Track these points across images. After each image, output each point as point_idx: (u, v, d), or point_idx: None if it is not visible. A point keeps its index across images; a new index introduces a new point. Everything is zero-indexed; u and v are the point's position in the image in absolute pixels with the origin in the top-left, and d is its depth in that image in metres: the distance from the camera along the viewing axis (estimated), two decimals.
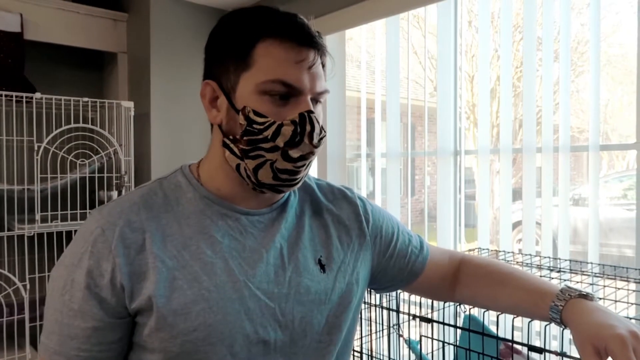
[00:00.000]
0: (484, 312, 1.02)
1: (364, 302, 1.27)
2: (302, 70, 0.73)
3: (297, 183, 0.78)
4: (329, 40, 2.34)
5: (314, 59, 0.74)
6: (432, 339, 1.09)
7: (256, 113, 0.73)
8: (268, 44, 0.73)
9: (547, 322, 0.85)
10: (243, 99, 0.74)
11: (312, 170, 2.45)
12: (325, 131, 0.78)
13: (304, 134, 0.73)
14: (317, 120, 0.74)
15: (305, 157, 0.75)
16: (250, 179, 0.76)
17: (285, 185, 0.77)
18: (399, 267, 0.96)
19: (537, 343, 0.95)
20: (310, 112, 0.73)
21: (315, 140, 0.74)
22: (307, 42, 0.74)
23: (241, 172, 0.77)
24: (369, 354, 1.29)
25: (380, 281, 0.97)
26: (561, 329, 0.82)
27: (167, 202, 0.78)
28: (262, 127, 0.73)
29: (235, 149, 0.76)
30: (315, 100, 0.77)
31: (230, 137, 0.76)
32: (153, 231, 0.74)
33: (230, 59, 0.75)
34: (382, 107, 2.28)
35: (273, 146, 0.73)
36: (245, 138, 0.74)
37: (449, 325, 1.08)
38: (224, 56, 0.76)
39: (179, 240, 0.75)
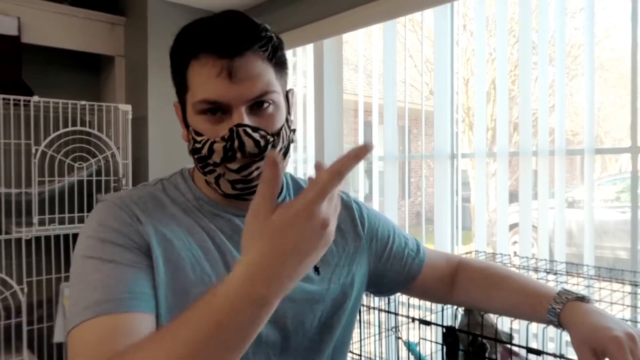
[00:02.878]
0: (482, 314, 1.04)
1: (362, 305, 1.28)
2: (224, 83, 0.71)
3: None
4: (326, 44, 2.36)
5: (235, 65, 0.71)
6: (432, 341, 1.10)
7: (196, 132, 0.76)
8: (193, 64, 0.74)
9: (545, 325, 0.86)
10: (190, 119, 0.77)
11: (309, 173, 2.46)
12: (274, 134, 0.75)
13: (235, 149, 0.73)
14: (247, 133, 0.72)
15: (247, 167, 0.74)
16: (217, 191, 0.79)
17: (247, 193, 0.77)
18: (396, 270, 0.97)
19: (535, 345, 0.97)
20: (239, 125, 0.72)
21: (249, 152, 0.73)
22: (224, 51, 0.71)
23: (210, 185, 0.80)
24: (368, 356, 1.30)
25: (378, 285, 0.98)
26: (559, 331, 0.83)
27: (168, 200, 0.81)
28: (200, 145, 0.75)
29: (197, 166, 0.79)
30: (260, 103, 0.74)
31: (190, 155, 0.80)
32: (160, 218, 0.76)
33: (176, 82, 0.79)
34: (379, 110, 2.29)
35: (214, 162, 0.75)
36: (195, 156, 0.77)
37: (448, 327, 1.09)
38: (174, 80, 0.80)
39: (184, 226, 0.77)
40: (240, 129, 0.72)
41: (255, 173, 0.75)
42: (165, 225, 0.75)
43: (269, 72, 0.75)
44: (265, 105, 0.75)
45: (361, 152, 0.52)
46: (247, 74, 0.72)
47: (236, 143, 0.72)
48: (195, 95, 0.74)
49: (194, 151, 0.77)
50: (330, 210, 0.55)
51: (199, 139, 0.75)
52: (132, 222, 0.73)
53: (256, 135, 0.73)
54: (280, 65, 0.78)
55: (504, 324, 1.38)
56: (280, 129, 0.77)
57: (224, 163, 0.74)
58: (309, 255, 0.55)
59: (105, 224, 0.73)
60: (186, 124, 0.79)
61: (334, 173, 0.52)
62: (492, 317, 1.05)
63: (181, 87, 0.78)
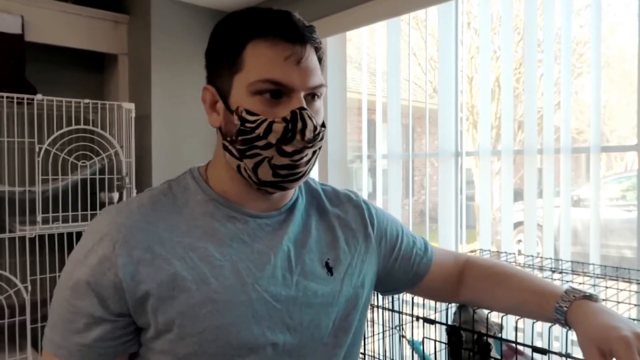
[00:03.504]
0: (487, 313, 1.03)
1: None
2: (291, 67, 0.73)
3: (299, 178, 0.77)
4: (330, 42, 2.35)
5: (303, 53, 0.74)
6: (435, 340, 1.09)
7: (248, 112, 0.74)
8: (256, 44, 0.74)
9: (551, 324, 0.85)
10: (237, 100, 0.75)
11: (313, 171, 2.46)
12: (324, 126, 0.78)
13: (296, 131, 0.73)
14: (309, 116, 0.74)
15: (300, 151, 0.75)
16: (251, 179, 0.77)
17: (287, 181, 0.77)
18: (404, 270, 0.96)
19: (539, 344, 0.96)
20: (302, 109, 0.73)
21: (307, 136, 0.74)
22: (294, 37, 0.73)
23: (242, 172, 0.77)
24: (372, 355, 1.29)
25: (386, 284, 0.97)
26: (565, 330, 0.82)
27: (175, 203, 0.79)
28: (254, 125, 0.73)
29: (234, 150, 0.76)
30: (313, 94, 0.76)
31: (228, 138, 0.77)
32: (160, 233, 0.74)
33: (224, 63, 0.76)
34: (383, 108, 2.28)
35: (267, 143, 0.73)
36: (240, 138, 0.75)
37: (452, 326, 1.09)
38: (218, 61, 0.78)
39: (187, 242, 0.75)
40: (304, 112, 0.73)
41: (304, 159, 0.76)
42: (165, 244, 0.74)
43: (319, 69, 0.78)
44: (316, 97, 0.77)
45: None
46: (310, 64, 0.75)
47: (299, 125, 0.73)
48: (254, 75, 0.73)
49: (240, 132, 0.74)
50: None
51: (252, 118, 0.73)
52: (111, 257, 0.71)
53: (314, 121, 0.74)
54: (323, 68, 0.81)
55: (509, 322, 1.37)
56: (323, 124, 0.78)
57: (279, 144, 0.73)
58: None
59: (88, 256, 0.72)
60: (228, 107, 0.76)
61: None
62: (484, 312, 1.04)
63: (230, 67, 0.75)
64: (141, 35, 2.57)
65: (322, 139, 0.77)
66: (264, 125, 0.73)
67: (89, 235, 0.75)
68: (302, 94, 0.74)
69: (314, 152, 0.77)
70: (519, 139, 2.48)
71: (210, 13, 2.58)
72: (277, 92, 0.73)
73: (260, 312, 0.75)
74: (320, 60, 0.79)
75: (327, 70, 2.36)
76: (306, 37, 0.74)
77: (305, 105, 0.74)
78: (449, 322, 1.08)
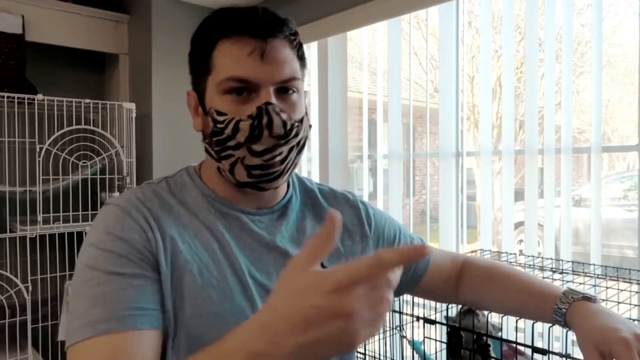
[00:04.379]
0: (487, 313, 1.03)
1: None
2: (255, 62, 0.72)
3: (276, 178, 0.76)
4: (330, 42, 2.35)
5: (266, 47, 0.72)
6: (436, 340, 1.09)
7: (218, 112, 0.74)
8: (222, 44, 0.74)
9: (551, 324, 0.85)
10: (210, 102, 0.76)
11: (314, 172, 2.46)
12: (301, 122, 0.76)
13: (262, 127, 0.72)
14: (276, 111, 0.72)
15: (271, 150, 0.74)
16: (230, 180, 0.77)
17: (263, 181, 0.76)
18: (402, 271, 0.96)
19: (540, 344, 0.95)
20: (268, 103, 0.72)
21: (276, 132, 0.72)
22: (257, 32, 0.72)
23: (222, 173, 0.78)
24: (373, 355, 1.29)
25: None
26: (565, 330, 0.82)
27: (174, 198, 0.79)
28: (223, 125, 0.73)
29: (212, 152, 0.77)
30: (286, 88, 0.75)
31: (207, 140, 0.78)
32: (166, 219, 0.75)
33: (198, 66, 0.78)
34: (384, 108, 2.28)
35: (237, 143, 0.73)
36: (214, 139, 0.75)
37: (452, 326, 1.08)
38: (194, 65, 0.79)
39: (191, 229, 0.76)
40: (270, 107, 0.72)
41: (278, 158, 0.75)
42: (172, 229, 0.74)
43: (295, 61, 0.77)
44: (290, 92, 0.76)
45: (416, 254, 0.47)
46: (277, 57, 0.74)
47: (265, 120, 0.71)
48: (221, 74, 0.73)
49: (213, 134, 0.75)
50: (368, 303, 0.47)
51: (221, 118, 0.73)
52: (138, 229, 0.71)
53: (284, 116, 0.73)
54: (302, 59, 0.80)
55: (509, 323, 1.37)
56: (302, 119, 0.77)
57: (248, 144, 0.73)
58: (325, 346, 0.47)
59: (110, 231, 0.70)
60: (204, 110, 0.77)
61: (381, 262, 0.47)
62: (485, 318, 1.04)
63: (203, 70, 0.76)
64: (142, 34, 2.57)
65: (297, 134, 0.76)
66: (232, 124, 0.73)
67: (103, 220, 0.73)
68: (270, 89, 0.73)
69: (291, 149, 0.76)
70: (520, 139, 2.47)
71: (210, 13, 2.57)
72: (245, 89, 0.73)
73: (258, 304, 0.75)
74: (300, 52, 0.78)
75: (328, 69, 2.36)
76: (272, 30, 0.73)
77: (272, 100, 0.73)
78: (449, 323, 1.07)
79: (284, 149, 0.75)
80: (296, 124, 0.75)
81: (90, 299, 0.66)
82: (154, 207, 0.75)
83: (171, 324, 0.70)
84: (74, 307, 0.68)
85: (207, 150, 0.79)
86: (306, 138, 0.80)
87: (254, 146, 0.73)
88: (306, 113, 0.80)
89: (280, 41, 0.74)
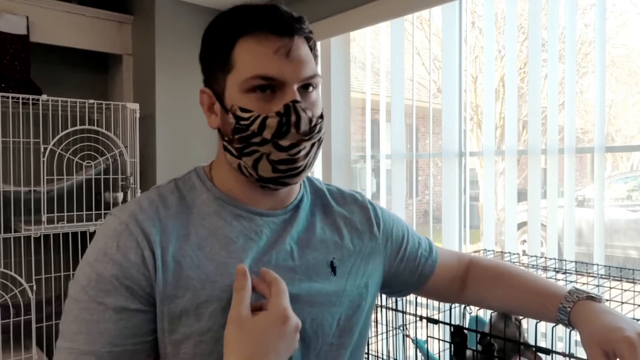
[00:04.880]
0: (491, 313, 1.03)
1: None
2: (281, 60, 0.72)
3: (300, 172, 0.77)
4: (334, 42, 2.35)
5: (292, 44, 0.73)
6: (439, 339, 1.09)
7: (242, 109, 0.74)
8: (244, 42, 0.74)
9: (555, 324, 0.85)
10: (232, 100, 0.75)
11: (317, 171, 2.46)
12: (322, 118, 0.77)
13: (290, 124, 0.72)
14: (303, 109, 0.73)
15: (297, 145, 0.74)
16: (253, 177, 0.77)
17: (288, 176, 0.76)
18: (409, 271, 0.96)
19: (543, 344, 0.95)
20: (295, 101, 0.73)
21: (303, 129, 0.73)
22: (281, 30, 0.73)
23: (243, 171, 0.77)
24: (376, 354, 1.29)
25: (392, 285, 0.97)
26: (569, 330, 0.82)
27: (183, 202, 0.79)
28: (248, 122, 0.73)
29: (233, 149, 0.76)
30: (308, 85, 0.76)
31: (227, 138, 0.77)
32: (170, 230, 0.75)
33: (216, 64, 0.77)
34: (387, 108, 2.28)
35: (262, 139, 0.73)
36: (236, 136, 0.75)
37: (455, 326, 1.09)
38: (211, 63, 0.78)
39: (194, 241, 0.75)
40: (297, 105, 0.73)
41: (302, 153, 0.75)
42: (173, 242, 0.74)
43: (312, 60, 0.78)
44: (311, 89, 0.77)
45: None
46: (300, 55, 0.74)
47: (293, 118, 0.72)
48: (245, 72, 0.73)
49: (236, 130, 0.74)
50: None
51: (246, 115, 0.73)
52: (134, 247, 0.71)
53: (309, 113, 0.74)
54: (316, 58, 0.80)
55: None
56: (321, 114, 0.78)
57: (274, 140, 0.73)
58: (284, 356, 0.65)
59: (107, 252, 0.71)
60: (224, 107, 0.77)
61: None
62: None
63: (222, 68, 0.76)
64: (145, 35, 2.58)
65: (320, 130, 0.77)
66: (258, 121, 0.73)
67: (104, 234, 0.74)
68: (295, 87, 0.74)
69: (313, 145, 0.77)
70: (523, 139, 2.47)
71: (214, 13, 2.55)
72: (269, 87, 0.73)
73: None
74: (312, 50, 0.78)
75: (331, 70, 2.36)
76: (294, 29, 0.74)
77: (298, 98, 0.73)
78: (453, 322, 1.08)
79: (308, 144, 0.75)
80: (319, 121, 0.77)
81: (76, 322, 0.70)
82: (157, 217, 0.75)
83: (171, 342, 0.72)
84: (64, 320, 0.72)
85: (226, 148, 0.78)
86: (323, 134, 0.80)
87: (280, 142, 0.73)
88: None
89: (301, 40, 0.75)
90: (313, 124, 0.75)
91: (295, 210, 0.85)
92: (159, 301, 0.71)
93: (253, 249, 0.77)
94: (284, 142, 0.73)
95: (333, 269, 0.83)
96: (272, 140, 0.73)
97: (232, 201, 0.80)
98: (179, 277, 0.72)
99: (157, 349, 0.74)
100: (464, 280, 0.98)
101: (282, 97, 0.73)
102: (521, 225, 2.09)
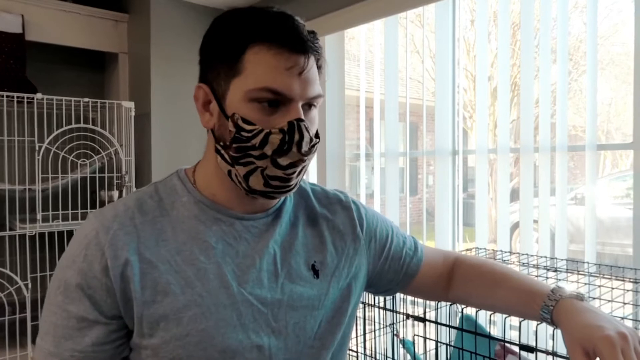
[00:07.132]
0: (477, 311, 1.03)
1: (360, 302, 1.27)
2: (292, 77, 0.71)
3: (290, 190, 0.77)
4: (328, 40, 2.35)
5: (306, 64, 0.72)
6: (426, 338, 1.09)
7: (245, 121, 0.72)
8: (258, 49, 0.71)
9: (539, 322, 0.85)
10: (233, 105, 0.73)
11: (312, 170, 2.46)
12: (318, 138, 0.77)
13: (292, 143, 0.72)
14: (306, 128, 0.72)
15: (295, 165, 0.74)
16: (241, 185, 0.76)
17: (277, 192, 0.76)
18: (394, 270, 0.96)
19: (534, 343, 0.95)
20: (299, 120, 0.72)
21: (304, 149, 0.73)
22: (298, 47, 0.72)
23: (232, 178, 0.76)
24: (365, 353, 1.29)
25: (377, 285, 0.97)
26: (553, 329, 0.82)
27: (162, 206, 0.78)
28: (250, 134, 0.72)
29: (226, 156, 0.75)
30: (310, 104, 0.75)
31: (222, 143, 0.76)
32: (147, 236, 0.74)
33: (221, 63, 0.74)
34: (381, 106, 2.28)
35: (262, 154, 0.72)
36: (234, 145, 0.73)
37: (443, 324, 1.09)
38: (215, 60, 0.75)
39: (172, 246, 0.75)
40: (302, 124, 0.72)
41: (296, 172, 0.75)
42: (149, 247, 0.74)
43: (318, 78, 0.77)
44: (312, 107, 0.76)
45: None
46: (311, 74, 0.74)
47: (296, 137, 0.71)
48: (254, 82, 0.71)
49: (235, 140, 0.73)
50: None
51: (249, 127, 0.72)
52: (99, 257, 0.71)
53: (311, 133, 0.74)
54: (321, 74, 0.79)
55: (504, 321, 1.37)
56: (317, 133, 0.78)
57: (274, 156, 0.72)
58: None
59: (75, 259, 0.72)
60: (223, 111, 0.75)
61: None
62: None
63: (228, 70, 0.73)
64: (141, 33, 2.58)
65: (315, 150, 0.77)
66: (261, 135, 0.72)
67: (77, 240, 0.75)
68: (300, 104, 0.73)
69: (305, 165, 0.76)
70: (517, 137, 2.46)
71: (209, 11, 2.59)
72: (276, 101, 0.72)
73: (245, 315, 0.75)
74: (319, 68, 0.77)
75: (326, 68, 2.36)
76: (309, 47, 0.73)
77: (302, 117, 0.72)
78: (442, 321, 1.07)
79: (304, 165, 0.76)
80: (316, 140, 0.76)
81: (47, 323, 0.74)
82: (132, 224, 0.74)
83: (150, 347, 0.72)
84: (42, 316, 0.76)
85: (218, 152, 0.76)
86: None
87: (279, 159, 0.73)
88: None
89: (313, 59, 0.74)
90: (312, 143, 0.74)
91: (277, 213, 0.84)
92: (137, 306, 0.71)
93: (232, 254, 0.77)
94: (283, 161, 0.73)
95: (315, 272, 0.83)
96: (271, 157, 0.73)
97: (212, 204, 0.79)
98: (157, 283, 0.72)
99: (127, 354, 0.76)
100: (450, 278, 0.98)
101: (285, 112, 0.72)
102: (514, 223, 2.09)
